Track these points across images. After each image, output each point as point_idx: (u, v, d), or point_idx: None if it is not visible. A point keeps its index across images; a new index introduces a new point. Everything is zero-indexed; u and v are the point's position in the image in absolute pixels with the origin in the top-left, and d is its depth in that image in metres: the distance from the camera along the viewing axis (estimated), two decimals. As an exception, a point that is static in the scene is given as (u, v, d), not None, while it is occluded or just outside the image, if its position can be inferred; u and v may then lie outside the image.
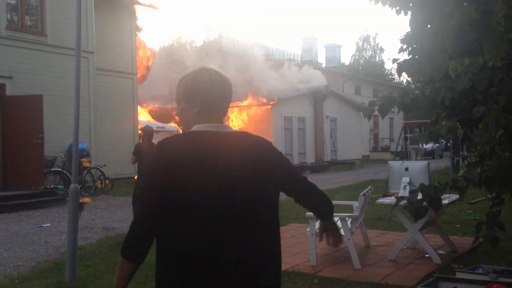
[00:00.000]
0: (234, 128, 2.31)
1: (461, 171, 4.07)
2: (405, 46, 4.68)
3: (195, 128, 2.18)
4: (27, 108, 13.90)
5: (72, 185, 6.44)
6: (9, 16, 14.84)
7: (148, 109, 25.61)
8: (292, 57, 37.67)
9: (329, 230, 2.49)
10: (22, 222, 11.01)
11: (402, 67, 3.24)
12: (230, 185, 2.04)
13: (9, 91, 14.22)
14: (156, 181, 2.05)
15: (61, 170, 14.98)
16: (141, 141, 9.67)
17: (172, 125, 24.02)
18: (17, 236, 9.42)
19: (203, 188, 2.01)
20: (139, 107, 21.55)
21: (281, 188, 2.27)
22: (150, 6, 21.42)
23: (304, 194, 2.39)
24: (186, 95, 2.23)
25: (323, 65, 39.18)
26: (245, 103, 24.97)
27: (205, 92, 2.21)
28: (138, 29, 21.78)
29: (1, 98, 14.19)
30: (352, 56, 66.26)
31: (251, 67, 27.92)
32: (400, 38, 5.49)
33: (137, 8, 20.45)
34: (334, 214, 7.18)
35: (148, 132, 9.47)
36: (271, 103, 24.76)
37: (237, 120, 25.34)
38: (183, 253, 2.02)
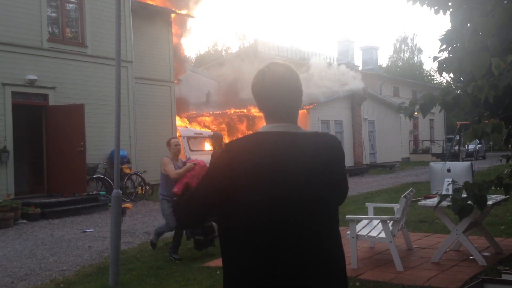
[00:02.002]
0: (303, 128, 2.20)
1: (506, 169, 3.97)
2: (445, 45, 4.61)
3: (261, 129, 2.16)
4: (69, 117, 14.27)
5: (115, 191, 6.57)
6: (50, 28, 15.27)
7: (186, 115, 25.89)
8: (328, 61, 37.49)
9: None
10: (66, 227, 11.28)
11: (443, 65, 3.18)
12: (291, 187, 2.01)
13: (52, 101, 14.63)
14: (216, 180, 2.07)
15: (102, 176, 15.30)
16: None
17: (209, 131, 24.23)
18: (61, 241, 9.66)
19: (264, 191, 2.00)
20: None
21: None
22: (186, 15, 21.72)
23: None
24: (253, 94, 2.21)
25: (360, 68, 38.84)
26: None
27: (258, 93, 2.18)
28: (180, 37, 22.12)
29: (45, 108, 14.61)
30: (389, 58, 65.56)
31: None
32: (440, 37, 5.41)
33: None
34: (376, 216, 7.10)
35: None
36: (308, 107, 24.68)
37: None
38: (246, 253, 2.02)
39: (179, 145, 8.13)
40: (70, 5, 15.94)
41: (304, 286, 1.99)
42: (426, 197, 7.58)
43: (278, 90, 2.14)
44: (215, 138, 9.54)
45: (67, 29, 15.90)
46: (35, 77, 14.11)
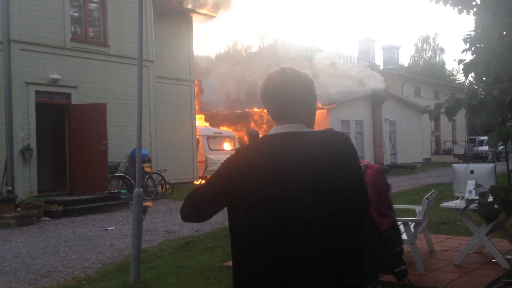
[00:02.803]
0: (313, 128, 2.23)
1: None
2: (469, 46, 4.55)
3: (270, 131, 2.20)
4: (91, 116, 14.43)
5: (136, 189, 6.62)
6: (73, 28, 15.44)
7: (205, 114, 25.96)
8: (348, 60, 37.29)
9: None
10: (88, 225, 11.41)
11: (469, 67, 3.14)
12: (292, 185, 2.00)
13: (74, 100, 14.80)
14: (221, 175, 2.15)
15: (124, 175, 15.43)
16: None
17: (229, 131, 24.28)
18: (84, 239, 9.77)
19: (265, 188, 2.02)
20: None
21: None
22: (207, 14, 21.79)
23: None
24: (261, 98, 2.26)
25: (381, 67, 38.57)
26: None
27: (265, 95, 2.23)
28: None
29: (67, 107, 14.79)
30: (411, 57, 64.92)
31: (307, 71, 27.79)
32: (463, 37, 5.33)
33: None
34: (398, 218, 7.03)
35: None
36: (328, 107, 24.59)
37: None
38: (251, 254, 2.06)
39: None
40: (93, 5, 16.11)
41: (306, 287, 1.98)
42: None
43: (285, 91, 2.17)
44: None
45: (90, 28, 16.08)
46: (58, 76, 14.29)
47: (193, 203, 2.21)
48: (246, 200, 2.05)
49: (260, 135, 21.04)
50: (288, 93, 2.17)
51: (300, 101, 2.19)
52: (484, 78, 4.92)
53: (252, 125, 25.72)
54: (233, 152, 2.28)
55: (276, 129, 2.18)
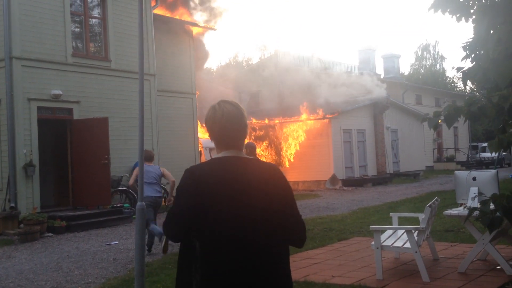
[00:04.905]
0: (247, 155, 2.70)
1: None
2: (468, 53, 4.56)
3: (219, 154, 2.53)
4: (94, 131, 14.46)
5: (139, 203, 6.60)
6: (74, 43, 15.52)
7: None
8: (349, 69, 37.36)
9: None
10: (91, 240, 11.39)
11: (467, 75, 3.16)
12: (246, 203, 2.39)
13: (76, 115, 14.85)
14: (186, 199, 2.43)
15: (126, 189, 15.42)
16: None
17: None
18: (87, 254, 9.76)
19: (227, 203, 2.37)
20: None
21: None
22: (207, 27, 21.88)
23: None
24: (206, 127, 2.60)
25: (382, 76, 38.59)
26: (302, 117, 24.89)
27: (210, 126, 2.57)
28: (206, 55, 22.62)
29: (70, 122, 14.83)
30: (411, 65, 65.04)
31: (308, 81, 27.88)
32: (462, 45, 5.35)
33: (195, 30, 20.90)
34: (401, 226, 7.11)
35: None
36: (330, 116, 24.57)
37: (295, 135, 25.24)
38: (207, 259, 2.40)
39: None
40: (94, 20, 16.21)
41: None
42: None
43: (226, 124, 2.54)
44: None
45: (91, 43, 16.15)
46: (60, 92, 14.35)
47: (171, 226, 2.48)
48: (211, 214, 2.36)
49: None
50: (237, 126, 2.56)
51: (243, 132, 2.58)
52: (486, 86, 4.93)
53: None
54: None
55: (223, 154, 2.54)
